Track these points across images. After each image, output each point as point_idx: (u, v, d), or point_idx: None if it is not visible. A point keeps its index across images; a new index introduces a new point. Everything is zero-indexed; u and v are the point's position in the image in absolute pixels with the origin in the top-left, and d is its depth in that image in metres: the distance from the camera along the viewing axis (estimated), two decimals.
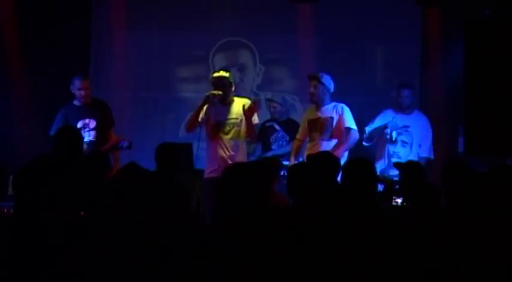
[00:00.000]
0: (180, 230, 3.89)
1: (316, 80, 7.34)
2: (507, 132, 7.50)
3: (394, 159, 7.48)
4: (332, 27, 9.06)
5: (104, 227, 3.73)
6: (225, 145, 6.99)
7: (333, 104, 7.38)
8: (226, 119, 7.00)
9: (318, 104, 7.38)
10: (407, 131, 7.77)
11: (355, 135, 7.27)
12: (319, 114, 7.38)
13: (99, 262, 3.53)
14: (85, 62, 8.99)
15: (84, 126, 7.27)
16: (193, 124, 7.05)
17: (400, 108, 7.86)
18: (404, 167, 5.98)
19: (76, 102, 7.37)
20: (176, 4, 9.03)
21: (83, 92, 7.29)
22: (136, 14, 9.04)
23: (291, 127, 8.12)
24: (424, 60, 9.12)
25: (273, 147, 8.09)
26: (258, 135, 7.94)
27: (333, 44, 9.14)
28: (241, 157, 7.01)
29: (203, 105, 6.96)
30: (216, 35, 9.19)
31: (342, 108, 7.32)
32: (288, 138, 8.09)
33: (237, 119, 7.01)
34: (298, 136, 7.59)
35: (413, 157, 7.61)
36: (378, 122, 7.89)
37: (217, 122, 7.01)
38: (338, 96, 9.14)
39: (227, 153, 6.97)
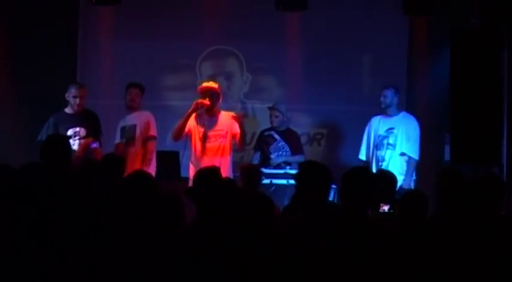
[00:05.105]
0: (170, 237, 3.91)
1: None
2: (493, 141, 7.54)
3: (380, 163, 7.59)
4: (319, 35, 9.07)
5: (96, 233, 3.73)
6: (210, 156, 6.97)
7: None
8: (212, 131, 6.98)
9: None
10: (392, 132, 7.76)
11: None
12: None
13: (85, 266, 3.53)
14: (72, 70, 8.97)
15: (75, 134, 7.26)
16: (180, 133, 7.03)
17: (385, 112, 7.83)
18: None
19: (68, 110, 7.37)
20: (163, 12, 9.01)
21: (78, 100, 7.29)
22: (123, 22, 9.02)
23: (290, 137, 8.09)
24: (410, 69, 9.14)
25: (272, 156, 7.99)
26: (256, 143, 8.05)
27: (320, 53, 9.14)
28: (227, 168, 6.98)
29: (191, 113, 6.93)
30: (203, 43, 9.17)
31: None
32: (287, 148, 8.02)
33: (222, 130, 7.00)
34: None
35: (396, 158, 7.66)
36: (364, 137, 7.88)
37: (203, 133, 6.98)
38: (324, 105, 9.13)
39: (212, 164, 6.94)
